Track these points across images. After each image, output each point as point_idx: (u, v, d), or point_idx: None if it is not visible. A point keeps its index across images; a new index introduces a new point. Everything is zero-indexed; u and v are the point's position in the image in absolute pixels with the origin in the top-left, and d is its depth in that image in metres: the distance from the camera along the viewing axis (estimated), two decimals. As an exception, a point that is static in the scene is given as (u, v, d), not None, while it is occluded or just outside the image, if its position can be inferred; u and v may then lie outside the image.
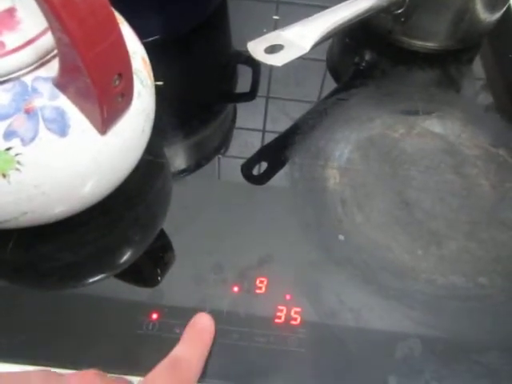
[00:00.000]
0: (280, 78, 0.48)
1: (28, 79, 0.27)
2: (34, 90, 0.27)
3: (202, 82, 0.48)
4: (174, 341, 0.29)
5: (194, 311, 0.32)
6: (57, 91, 0.27)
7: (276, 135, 0.44)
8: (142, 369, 0.28)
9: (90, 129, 0.28)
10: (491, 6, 0.48)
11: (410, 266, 0.36)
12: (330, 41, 0.52)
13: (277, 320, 0.33)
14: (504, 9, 0.50)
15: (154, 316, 0.32)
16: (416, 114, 0.46)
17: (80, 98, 0.27)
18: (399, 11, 0.47)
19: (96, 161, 0.30)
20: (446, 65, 0.50)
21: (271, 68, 0.47)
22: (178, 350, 0.29)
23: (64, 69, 0.26)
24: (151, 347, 0.31)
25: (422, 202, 0.39)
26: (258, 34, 0.40)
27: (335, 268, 0.35)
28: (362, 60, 0.52)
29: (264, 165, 0.41)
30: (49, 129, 0.27)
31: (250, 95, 0.47)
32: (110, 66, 0.25)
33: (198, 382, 0.29)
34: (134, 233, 0.37)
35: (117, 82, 0.26)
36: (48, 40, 0.27)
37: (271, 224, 0.37)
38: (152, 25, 0.47)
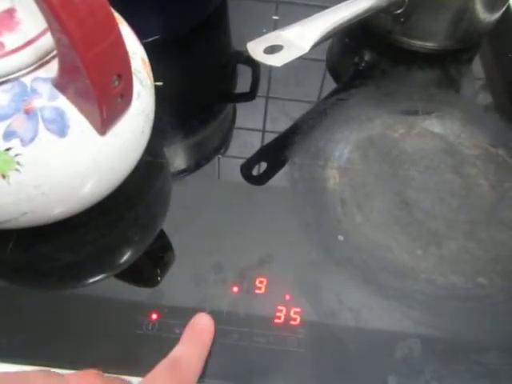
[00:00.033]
0: (280, 78, 0.48)
1: (27, 80, 0.27)
2: (34, 91, 0.27)
3: (202, 82, 0.48)
4: (173, 341, 0.29)
5: (193, 311, 0.32)
6: (56, 92, 0.27)
7: (276, 135, 0.44)
8: (142, 369, 0.28)
9: (89, 129, 0.28)
10: (491, 6, 0.48)
11: (409, 266, 0.36)
12: (330, 41, 0.52)
13: (276, 320, 0.33)
14: (503, 9, 0.50)
15: (154, 316, 0.32)
16: (416, 113, 0.46)
17: (79, 99, 0.27)
18: (399, 11, 0.47)
19: (95, 161, 0.30)
20: (446, 65, 0.50)
21: (271, 68, 0.47)
22: (178, 350, 0.29)
23: (63, 69, 0.26)
24: (151, 347, 0.31)
25: (422, 202, 0.39)
26: (258, 34, 0.41)
27: (335, 268, 0.35)
28: (362, 60, 0.52)
29: (264, 165, 0.41)
30: (48, 129, 0.27)
31: (250, 95, 0.47)
32: (110, 67, 0.25)
33: (198, 382, 0.29)
34: (134, 233, 0.37)
35: (116, 83, 0.26)
36: (47, 41, 0.27)
37: (271, 224, 0.37)
38: (152, 25, 0.47)
